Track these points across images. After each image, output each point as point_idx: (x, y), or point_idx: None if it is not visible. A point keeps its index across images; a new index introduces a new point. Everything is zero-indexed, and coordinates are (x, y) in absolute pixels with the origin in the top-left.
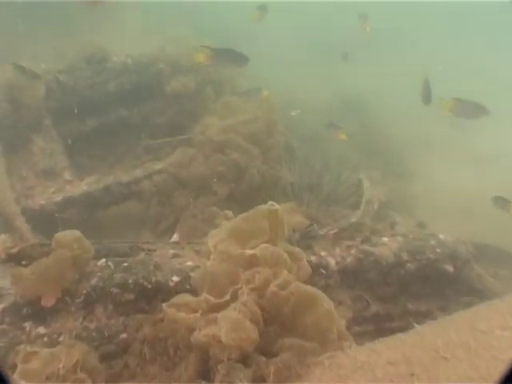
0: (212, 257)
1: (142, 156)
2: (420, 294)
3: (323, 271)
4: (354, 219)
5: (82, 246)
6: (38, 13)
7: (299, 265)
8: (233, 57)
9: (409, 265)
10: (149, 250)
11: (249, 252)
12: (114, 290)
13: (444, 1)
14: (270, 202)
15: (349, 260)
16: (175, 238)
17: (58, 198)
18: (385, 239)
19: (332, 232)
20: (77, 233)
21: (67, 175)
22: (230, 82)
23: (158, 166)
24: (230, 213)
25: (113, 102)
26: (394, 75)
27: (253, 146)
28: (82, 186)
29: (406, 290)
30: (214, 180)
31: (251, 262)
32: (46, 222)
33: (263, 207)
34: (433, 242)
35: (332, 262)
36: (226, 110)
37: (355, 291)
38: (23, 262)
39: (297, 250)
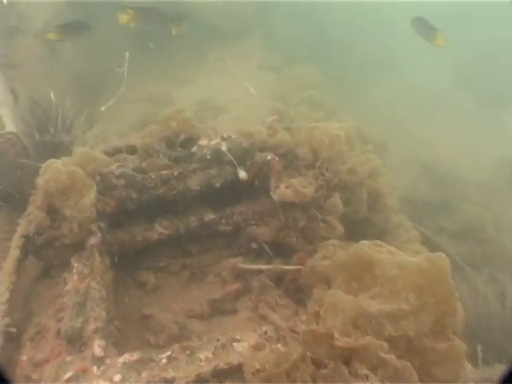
0: None
1: (227, 279)
2: None
3: None
4: None
5: None
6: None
7: None
8: (155, 16)
9: None
10: None
11: None
12: None
13: None
14: None
15: None
16: None
17: None
18: None
19: None
20: None
21: (97, 348)
22: (371, 181)
23: (238, 347)
24: None
25: (195, 202)
26: None
27: (405, 362)
28: (113, 376)
29: None
30: None
31: None
32: None
33: None
34: None
35: None
36: (363, 271)
37: None
38: None
39: None
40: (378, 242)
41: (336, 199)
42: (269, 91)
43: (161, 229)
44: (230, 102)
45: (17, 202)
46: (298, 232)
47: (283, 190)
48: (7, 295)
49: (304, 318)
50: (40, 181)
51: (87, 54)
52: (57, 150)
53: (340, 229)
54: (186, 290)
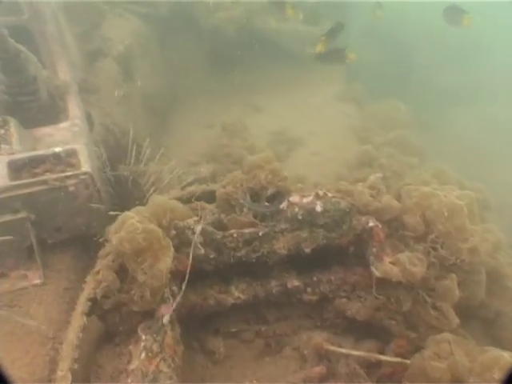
0: None
1: (308, 358)
2: None
3: None
4: None
5: None
6: None
7: None
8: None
9: None
10: None
11: None
12: None
13: None
14: None
15: None
16: None
17: None
18: None
19: None
20: None
21: None
22: (491, 258)
23: None
24: None
25: (279, 266)
26: None
27: None
28: None
29: None
30: None
31: None
32: None
33: None
34: None
35: None
36: None
37: None
38: None
39: None
40: None
41: (452, 282)
42: (348, 125)
43: (237, 293)
44: (306, 134)
45: (84, 247)
46: (399, 315)
47: (388, 266)
48: (69, 378)
49: None
50: (113, 238)
51: (160, 76)
52: (130, 186)
53: (455, 320)
54: (258, 364)
